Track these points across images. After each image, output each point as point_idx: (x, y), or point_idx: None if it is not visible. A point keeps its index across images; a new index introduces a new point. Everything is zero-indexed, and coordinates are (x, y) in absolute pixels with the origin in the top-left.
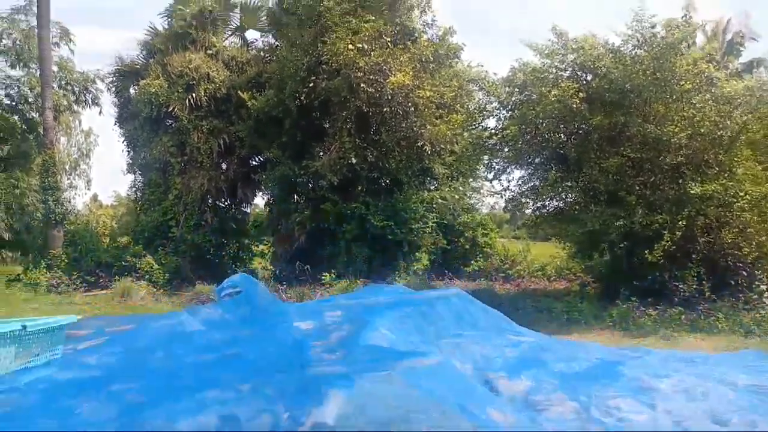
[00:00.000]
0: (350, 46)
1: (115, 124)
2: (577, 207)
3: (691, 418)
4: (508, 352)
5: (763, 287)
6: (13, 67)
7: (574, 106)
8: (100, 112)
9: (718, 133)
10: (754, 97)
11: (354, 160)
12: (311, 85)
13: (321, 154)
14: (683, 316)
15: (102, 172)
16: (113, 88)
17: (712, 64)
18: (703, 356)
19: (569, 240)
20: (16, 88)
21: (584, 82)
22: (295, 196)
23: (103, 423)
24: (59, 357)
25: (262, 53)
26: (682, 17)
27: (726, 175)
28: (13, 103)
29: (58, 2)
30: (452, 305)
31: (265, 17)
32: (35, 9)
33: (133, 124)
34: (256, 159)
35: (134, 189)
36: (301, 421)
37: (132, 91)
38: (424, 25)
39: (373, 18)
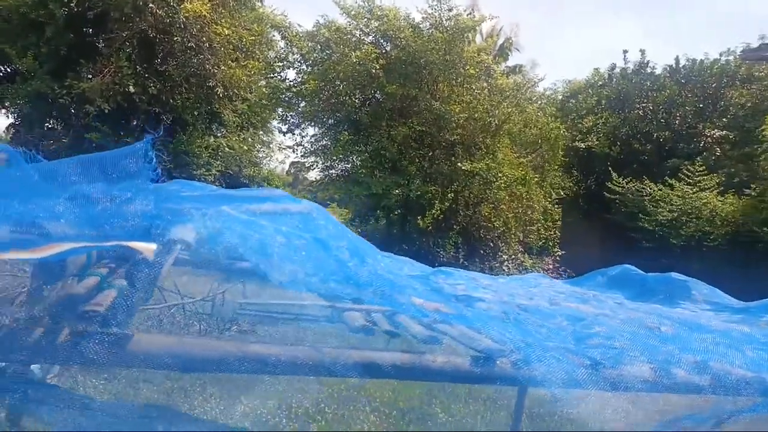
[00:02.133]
0: None
1: None
2: (363, 171)
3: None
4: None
5: (505, 257)
6: None
7: (374, 71)
8: None
9: (488, 120)
10: (520, 92)
11: (132, 89)
12: None
13: (90, 76)
14: None
15: None
16: None
17: (490, 57)
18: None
19: (352, 203)
20: None
21: (384, 50)
22: (52, 121)
23: None
24: None
25: None
26: (468, 13)
27: (490, 157)
28: None
29: None
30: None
31: None
32: None
33: None
34: (2, 69)
35: None
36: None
37: None
38: None
39: None
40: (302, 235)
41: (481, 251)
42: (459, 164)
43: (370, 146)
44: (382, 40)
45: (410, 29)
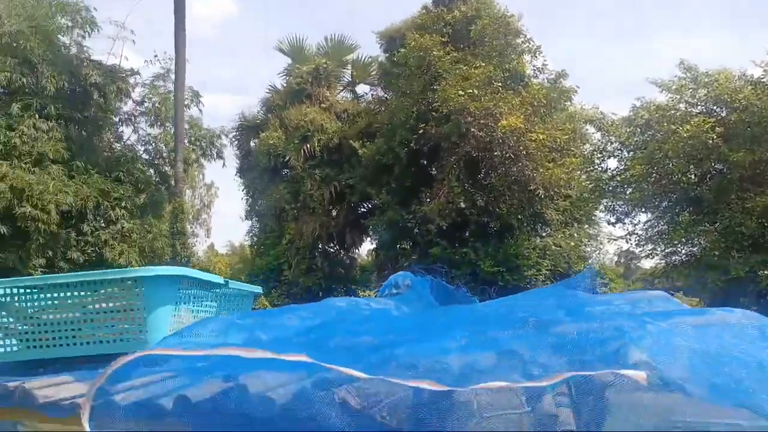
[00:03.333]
0: (460, 92)
1: (236, 174)
2: (716, 253)
3: None
4: None
5: None
6: (151, 126)
7: (710, 142)
8: (224, 165)
9: None
10: None
11: (463, 205)
12: (421, 131)
13: (429, 199)
14: None
15: (219, 222)
16: (236, 142)
17: None
18: None
19: (706, 291)
20: (153, 144)
21: (719, 117)
22: (403, 242)
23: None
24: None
25: (372, 105)
26: None
27: None
28: (150, 158)
29: (189, 70)
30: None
31: (375, 71)
32: (172, 76)
33: (252, 174)
34: (365, 205)
35: (251, 235)
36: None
37: (252, 144)
38: (534, 70)
39: (483, 64)
40: (755, 351)
41: None
42: None
43: (718, 224)
44: (714, 107)
45: (750, 87)
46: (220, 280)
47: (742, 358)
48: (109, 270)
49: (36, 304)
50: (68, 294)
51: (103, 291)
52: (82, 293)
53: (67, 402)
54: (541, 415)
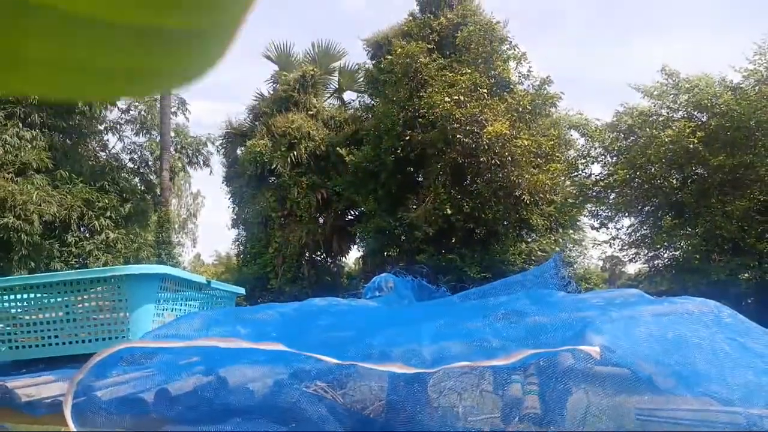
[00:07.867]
0: (446, 99)
1: (223, 182)
2: (697, 256)
3: None
4: None
5: None
6: (137, 134)
7: (691, 146)
8: (210, 173)
9: None
10: None
11: (449, 211)
12: (407, 138)
13: (415, 206)
14: None
15: (206, 233)
16: (222, 150)
17: None
18: None
19: (687, 295)
20: (138, 152)
21: (700, 122)
22: (390, 249)
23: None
24: None
25: (359, 112)
26: None
27: None
28: (135, 167)
29: None
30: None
31: (362, 78)
32: None
33: (239, 181)
34: (352, 212)
35: (237, 243)
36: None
37: (239, 151)
38: (519, 76)
39: (469, 71)
40: (708, 336)
41: None
42: None
43: (699, 228)
44: (695, 112)
45: (730, 93)
46: (202, 279)
47: (696, 343)
48: (91, 269)
49: (18, 304)
50: (50, 294)
51: (85, 290)
52: (65, 293)
53: (49, 400)
54: (509, 401)
